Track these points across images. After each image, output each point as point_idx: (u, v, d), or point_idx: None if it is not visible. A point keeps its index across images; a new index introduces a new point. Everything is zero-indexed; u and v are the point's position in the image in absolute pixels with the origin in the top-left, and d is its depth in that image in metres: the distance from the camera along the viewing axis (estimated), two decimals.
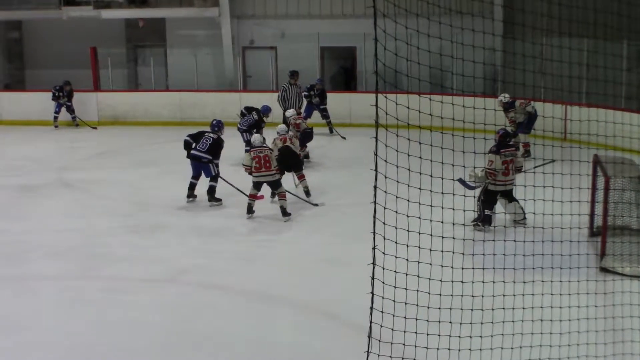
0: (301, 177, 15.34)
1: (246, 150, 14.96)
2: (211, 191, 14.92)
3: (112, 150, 20.79)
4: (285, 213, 14.00)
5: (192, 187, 15.18)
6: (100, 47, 26.19)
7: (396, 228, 6.66)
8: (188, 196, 15.15)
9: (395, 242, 6.60)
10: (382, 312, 6.43)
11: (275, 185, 14.22)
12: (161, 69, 26.75)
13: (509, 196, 12.93)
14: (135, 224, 14.27)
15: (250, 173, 14.06)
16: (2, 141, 22.74)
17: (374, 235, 6.20)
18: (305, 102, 20.79)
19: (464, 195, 7.88)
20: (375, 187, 6.30)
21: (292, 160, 15.22)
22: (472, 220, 12.69)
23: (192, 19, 25.96)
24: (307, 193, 15.31)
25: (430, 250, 7.14)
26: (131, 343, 9.23)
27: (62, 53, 26.98)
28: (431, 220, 7.16)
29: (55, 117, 24.36)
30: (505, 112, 17.66)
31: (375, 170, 6.35)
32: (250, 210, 14.13)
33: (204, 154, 14.87)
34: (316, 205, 14.86)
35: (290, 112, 18.12)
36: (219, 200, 14.96)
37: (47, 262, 12.45)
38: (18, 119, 24.70)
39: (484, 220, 12.75)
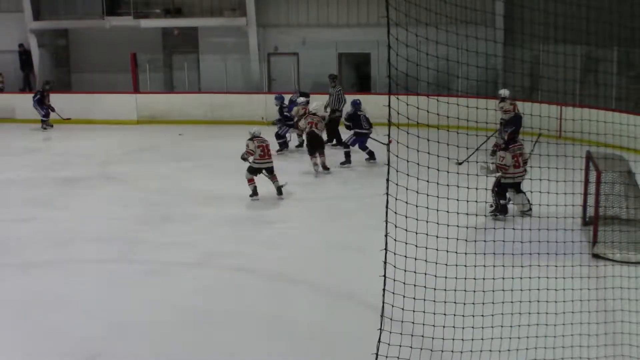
0: (322, 155, 16.78)
1: (250, 139, 14.90)
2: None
3: (150, 146, 20.85)
4: (280, 192, 14.82)
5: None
6: (139, 53, 26.28)
7: (406, 217, 6.65)
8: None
9: (406, 230, 6.59)
10: (393, 293, 6.43)
11: (271, 170, 14.80)
12: (194, 73, 26.79)
13: (517, 188, 12.92)
14: (170, 213, 14.34)
15: (245, 159, 14.73)
16: (50, 138, 22.88)
17: (386, 223, 6.20)
18: (345, 102, 20.48)
19: (467, 187, 7.83)
20: (387, 180, 6.29)
21: (317, 142, 16.74)
22: (490, 211, 12.77)
23: (222, 28, 26.00)
24: (326, 167, 16.85)
25: (437, 237, 7.14)
26: (165, 320, 9.29)
27: (105, 58, 27.08)
28: (438, 210, 7.16)
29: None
30: (500, 103, 17.69)
31: (388, 164, 6.35)
32: (256, 192, 14.70)
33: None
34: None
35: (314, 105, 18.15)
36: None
37: (90, 248, 12.52)
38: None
39: (501, 210, 12.84)
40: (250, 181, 14.66)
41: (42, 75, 27.37)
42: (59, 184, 16.97)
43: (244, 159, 14.84)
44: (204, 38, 26.66)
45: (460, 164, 9.36)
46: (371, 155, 17.52)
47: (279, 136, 19.02)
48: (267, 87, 25.86)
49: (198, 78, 26.74)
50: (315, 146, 16.77)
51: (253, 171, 14.70)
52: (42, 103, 24.08)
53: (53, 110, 23.89)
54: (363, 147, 17.49)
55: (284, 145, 19.12)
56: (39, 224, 13.92)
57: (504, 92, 17.97)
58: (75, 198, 15.96)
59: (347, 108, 18.93)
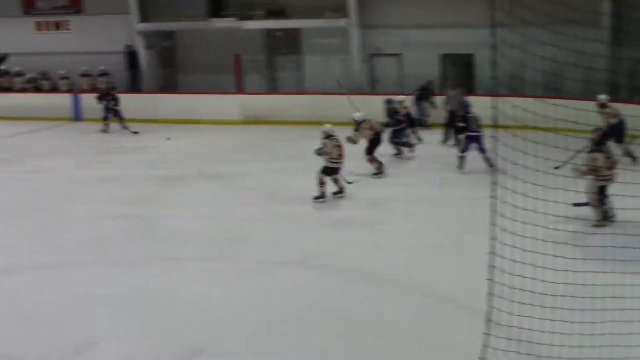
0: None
1: (326, 137, 15.21)
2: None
3: (252, 146, 21.04)
4: (342, 191, 15.01)
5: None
6: (243, 54, 26.61)
7: (513, 220, 6.54)
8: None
9: (512, 233, 6.49)
10: (499, 297, 6.32)
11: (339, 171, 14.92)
12: (297, 74, 26.94)
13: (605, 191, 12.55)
14: (270, 212, 14.45)
15: (319, 154, 14.98)
16: (157, 137, 23.31)
17: (493, 226, 6.10)
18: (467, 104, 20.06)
19: (575, 191, 7.67)
20: (494, 182, 6.20)
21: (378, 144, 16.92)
22: (593, 224, 12.15)
23: (324, 29, 26.03)
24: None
25: (544, 241, 7.02)
26: (263, 319, 9.39)
27: (210, 60, 27.41)
28: (545, 214, 7.03)
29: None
30: (601, 110, 17.21)
31: (495, 167, 6.27)
32: (324, 195, 14.72)
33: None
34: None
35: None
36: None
37: (191, 245, 12.74)
38: (171, 118, 25.26)
39: (604, 217, 12.36)
40: (323, 183, 14.68)
41: (148, 76, 27.97)
42: (162, 182, 17.33)
43: (320, 154, 15.03)
44: (307, 39, 26.76)
45: (557, 168, 9.12)
46: (488, 161, 15.97)
47: (396, 141, 18.71)
48: (369, 87, 25.83)
49: (301, 79, 26.87)
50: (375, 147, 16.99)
51: (329, 172, 14.76)
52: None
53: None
54: (480, 150, 16.53)
55: (401, 150, 18.90)
56: (141, 222, 14.27)
57: (604, 97, 17.44)
58: (178, 196, 16.27)
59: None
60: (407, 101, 20.26)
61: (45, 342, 9.13)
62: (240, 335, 9.00)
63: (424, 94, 22.84)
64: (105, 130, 24.20)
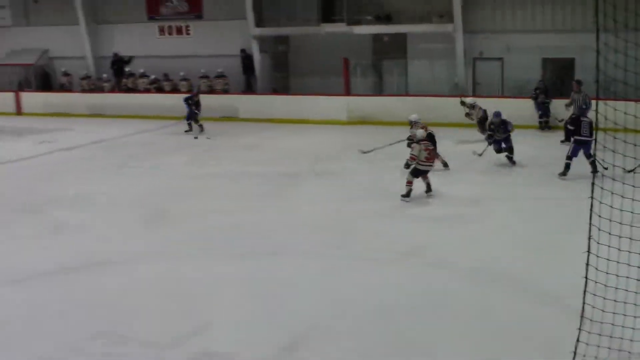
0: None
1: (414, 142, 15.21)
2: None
3: (359, 145, 21.12)
4: (430, 188, 15.04)
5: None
6: (351, 58, 26.75)
7: (610, 221, 6.50)
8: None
9: (609, 234, 6.45)
10: (594, 294, 6.29)
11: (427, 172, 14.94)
12: (402, 77, 26.95)
13: None
14: (378, 208, 14.49)
15: (408, 166, 15.14)
16: (273, 136, 23.67)
17: (590, 226, 6.09)
18: (591, 107, 19.57)
19: None
20: (592, 183, 6.18)
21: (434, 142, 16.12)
22: None
23: (429, 34, 25.97)
24: (445, 164, 17.09)
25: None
26: (365, 308, 9.48)
27: (320, 63, 27.66)
28: None
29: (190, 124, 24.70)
30: None
31: (595, 169, 6.25)
32: (409, 194, 14.70)
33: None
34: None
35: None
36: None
37: (304, 238, 12.88)
38: (283, 118, 25.60)
39: None
40: (410, 183, 14.71)
41: (262, 78, 28.38)
42: (278, 178, 17.53)
43: (408, 165, 15.23)
44: (412, 44, 26.72)
45: (629, 171, 8.95)
46: (594, 166, 14.51)
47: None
48: (472, 90, 25.66)
49: (406, 82, 26.86)
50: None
51: (417, 173, 14.80)
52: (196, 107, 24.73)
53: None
54: (587, 155, 15.59)
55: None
56: (256, 215, 14.43)
57: None
58: (291, 191, 16.46)
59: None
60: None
61: (163, 324, 9.34)
62: (344, 322, 9.08)
63: (539, 95, 22.55)
64: (188, 131, 24.48)
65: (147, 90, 30.00)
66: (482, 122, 20.17)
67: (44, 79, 33.40)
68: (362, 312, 9.42)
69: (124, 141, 23.99)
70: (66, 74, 32.09)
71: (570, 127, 16.38)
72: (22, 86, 33.37)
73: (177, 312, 9.78)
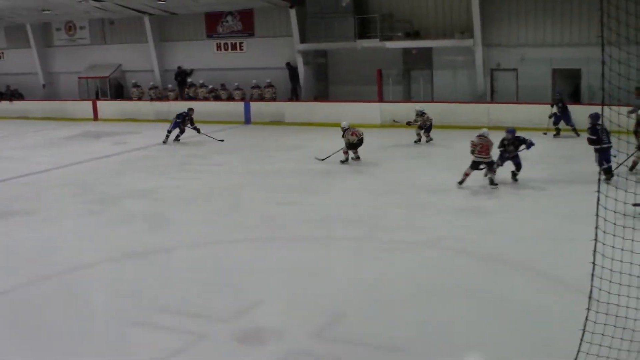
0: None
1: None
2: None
3: (390, 146, 21.01)
4: (493, 182, 14.78)
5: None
6: (384, 69, 26.65)
7: (615, 212, 6.38)
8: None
9: (614, 224, 6.33)
10: (601, 278, 6.16)
11: (490, 163, 14.73)
12: (428, 85, 26.74)
13: None
14: (407, 201, 14.40)
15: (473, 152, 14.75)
16: (315, 137, 23.67)
17: (597, 217, 5.97)
18: None
19: None
20: (599, 180, 6.08)
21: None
22: None
23: (452, 48, 25.79)
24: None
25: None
26: (397, 290, 9.44)
27: (356, 73, 27.69)
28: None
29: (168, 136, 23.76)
30: None
31: (600, 166, 6.11)
32: (462, 182, 14.79)
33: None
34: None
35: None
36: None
37: (341, 227, 12.86)
38: (324, 122, 25.58)
39: None
40: (467, 174, 14.69)
41: (306, 87, 28.36)
42: (316, 174, 17.52)
43: (473, 152, 14.90)
44: (437, 56, 26.53)
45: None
46: (607, 172, 13.68)
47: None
48: (489, 97, 25.46)
49: (431, 89, 26.65)
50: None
51: (474, 165, 14.71)
52: (183, 124, 23.76)
53: (199, 131, 23.81)
54: (603, 161, 13.99)
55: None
56: (301, 206, 14.45)
57: None
58: (330, 186, 16.41)
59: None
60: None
61: (220, 302, 9.44)
62: (378, 303, 9.04)
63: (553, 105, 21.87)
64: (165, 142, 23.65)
65: (206, 99, 30.12)
66: (425, 129, 20.62)
67: (118, 90, 33.78)
68: (390, 294, 9.37)
69: (186, 142, 24.07)
70: (136, 85, 32.33)
71: (592, 137, 14.40)
72: (99, 96, 33.77)
73: (233, 290, 9.85)
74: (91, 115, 32.37)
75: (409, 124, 21.07)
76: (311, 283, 9.97)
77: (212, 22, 30.91)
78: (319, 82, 29.17)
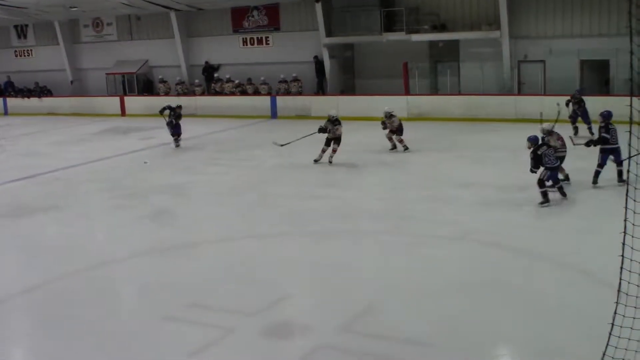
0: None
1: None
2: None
3: (417, 139, 20.92)
4: (567, 178, 14.07)
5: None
6: (410, 62, 26.56)
7: None
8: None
9: None
10: (630, 271, 6.13)
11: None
12: (455, 78, 26.61)
13: None
14: (433, 195, 14.37)
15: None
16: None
17: (626, 210, 5.93)
18: None
19: None
20: (628, 171, 6.02)
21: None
22: None
23: (479, 40, 25.61)
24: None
25: None
26: (425, 283, 9.48)
27: (382, 67, 27.65)
28: None
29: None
30: None
31: (629, 157, 6.07)
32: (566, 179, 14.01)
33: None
34: None
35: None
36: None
37: (369, 221, 12.91)
38: (350, 115, 25.57)
39: None
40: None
41: (332, 81, 28.37)
42: (343, 169, 17.53)
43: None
44: (464, 49, 26.37)
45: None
46: (620, 176, 13.58)
47: None
48: (517, 90, 25.29)
49: (458, 82, 26.53)
50: None
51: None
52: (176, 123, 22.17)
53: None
54: (619, 162, 13.66)
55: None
56: (328, 200, 14.46)
57: None
58: (356, 180, 16.47)
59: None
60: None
61: (248, 296, 9.49)
62: (406, 297, 9.05)
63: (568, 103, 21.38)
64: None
65: (232, 93, 30.28)
66: (395, 132, 19.35)
67: (145, 85, 34.01)
68: (418, 287, 9.38)
69: (213, 137, 24.25)
70: (163, 81, 32.55)
71: (604, 136, 13.67)
72: (127, 91, 34.06)
73: (261, 285, 9.90)
74: (119, 111, 32.72)
75: (384, 125, 19.68)
76: (339, 277, 10.00)
77: (238, 17, 31.01)
78: (345, 75, 29.14)
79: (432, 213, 13.06)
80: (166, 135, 22.76)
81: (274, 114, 28.35)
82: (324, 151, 17.97)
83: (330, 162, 17.82)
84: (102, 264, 11.41)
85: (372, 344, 7.83)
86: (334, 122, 17.91)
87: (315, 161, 18.03)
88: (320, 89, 28.97)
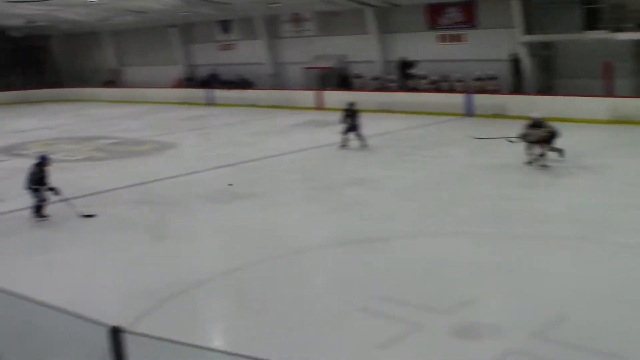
0: None
1: None
2: None
3: (620, 143, 20.33)
4: None
5: None
6: (613, 62, 25.73)
7: None
8: None
9: None
10: None
11: None
12: None
13: None
14: (637, 203, 13.76)
15: None
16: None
17: None
18: None
19: None
20: None
21: None
22: None
23: None
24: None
25: None
26: (627, 298, 9.09)
27: (581, 66, 26.92)
28: None
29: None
30: None
31: None
32: None
33: None
34: None
35: None
36: None
37: (567, 226, 12.53)
38: (549, 116, 24.95)
39: None
40: None
41: (529, 80, 28.02)
42: (541, 170, 17.02)
43: None
44: None
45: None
46: None
47: None
48: None
49: None
50: None
51: None
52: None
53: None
54: None
55: None
56: (524, 202, 14.26)
57: None
58: (554, 183, 16.07)
59: None
60: None
61: (437, 294, 9.48)
62: (601, 306, 8.78)
63: None
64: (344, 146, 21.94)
65: (427, 90, 30.60)
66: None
67: (341, 80, 34.96)
68: (619, 300, 8.99)
69: (407, 133, 24.67)
70: (358, 76, 33.44)
71: None
72: (323, 85, 35.17)
73: (450, 283, 9.92)
74: (315, 104, 33.94)
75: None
76: (531, 282, 9.80)
77: (434, 13, 31.27)
78: (543, 74, 28.60)
79: (636, 222, 12.53)
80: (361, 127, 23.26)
81: (468, 112, 28.38)
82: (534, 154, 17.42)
83: (542, 165, 17.20)
84: (297, 251, 11.88)
85: (564, 352, 7.68)
86: (536, 125, 17.40)
87: (529, 163, 17.50)
88: (517, 88, 28.65)
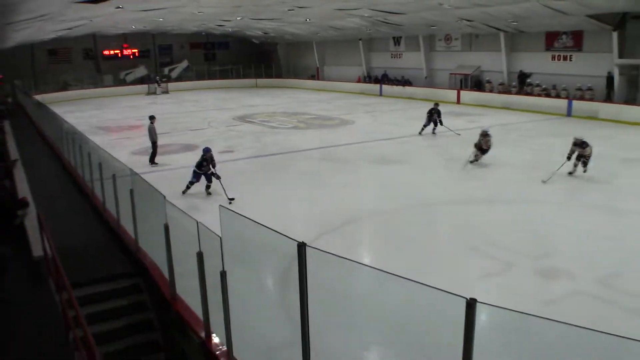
0: None
1: None
2: None
3: None
4: None
5: None
6: None
7: None
8: None
9: None
10: None
11: None
12: None
13: None
14: None
15: None
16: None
17: None
18: None
19: None
20: None
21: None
22: None
23: None
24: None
25: None
26: None
27: None
28: None
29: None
30: None
31: None
32: None
33: None
34: None
35: None
36: None
37: None
38: (634, 121, 24.23)
39: None
40: None
41: (620, 95, 26.73)
42: None
43: None
44: None
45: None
46: None
47: None
48: None
49: None
50: None
51: None
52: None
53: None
54: None
55: None
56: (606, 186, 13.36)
57: None
58: None
59: None
60: None
61: (529, 244, 9.07)
62: None
63: None
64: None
65: (538, 95, 29.84)
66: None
67: (476, 83, 34.66)
68: None
69: (517, 127, 24.10)
70: (488, 82, 33.08)
71: None
72: (462, 87, 34.91)
73: (540, 238, 9.62)
74: (455, 100, 33.86)
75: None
76: (603, 244, 9.26)
77: (550, 39, 30.20)
78: (631, 89, 26.77)
79: None
80: (486, 120, 22.83)
81: (569, 113, 27.62)
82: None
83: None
84: (429, 204, 11.88)
85: (623, 298, 7.27)
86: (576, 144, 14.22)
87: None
88: (609, 98, 27.43)
